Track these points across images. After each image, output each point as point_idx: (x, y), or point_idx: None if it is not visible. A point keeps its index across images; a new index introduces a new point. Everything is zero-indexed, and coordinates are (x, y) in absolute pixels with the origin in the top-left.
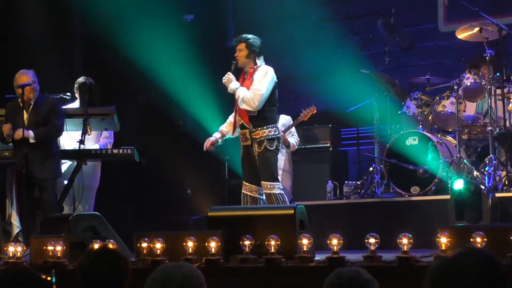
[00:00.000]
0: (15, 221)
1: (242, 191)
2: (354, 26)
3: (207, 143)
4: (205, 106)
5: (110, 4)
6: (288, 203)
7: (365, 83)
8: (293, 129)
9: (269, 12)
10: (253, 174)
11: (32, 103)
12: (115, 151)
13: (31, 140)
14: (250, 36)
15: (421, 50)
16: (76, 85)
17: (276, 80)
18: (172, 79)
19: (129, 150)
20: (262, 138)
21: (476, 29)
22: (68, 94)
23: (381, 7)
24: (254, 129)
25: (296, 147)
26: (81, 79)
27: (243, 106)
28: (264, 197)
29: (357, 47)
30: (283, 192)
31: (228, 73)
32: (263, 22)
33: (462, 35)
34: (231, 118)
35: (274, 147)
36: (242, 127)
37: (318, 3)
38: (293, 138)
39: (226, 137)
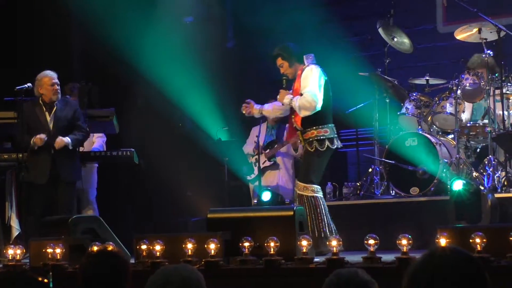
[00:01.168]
0: (15, 223)
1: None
2: (353, 27)
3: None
4: (204, 108)
5: (108, 6)
6: (321, 206)
7: (364, 84)
8: None
9: (268, 14)
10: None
11: (55, 105)
12: (115, 153)
13: (70, 147)
14: (280, 46)
15: (420, 51)
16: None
17: (325, 77)
18: (171, 81)
19: (128, 152)
20: (311, 139)
21: (475, 30)
22: (67, 97)
23: (380, 8)
24: (304, 130)
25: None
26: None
27: (304, 114)
28: (319, 194)
29: (356, 48)
30: (317, 195)
31: (281, 90)
32: (262, 24)
33: (460, 36)
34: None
35: (324, 149)
36: (296, 129)
37: (317, 5)
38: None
39: None
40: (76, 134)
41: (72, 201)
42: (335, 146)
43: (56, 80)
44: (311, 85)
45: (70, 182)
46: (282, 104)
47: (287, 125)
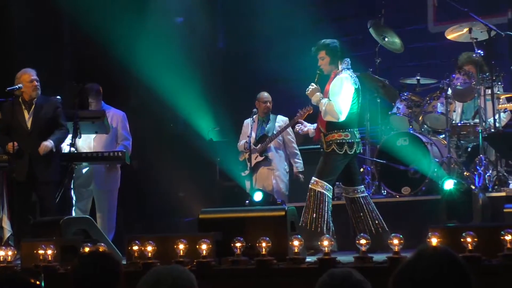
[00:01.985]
0: (6, 225)
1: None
2: (344, 27)
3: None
4: (195, 109)
5: (100, 7)
6: (325, 203)
7: None
8: (289, 129)
9: (258, 15)
10: (344, 176)
11: (34, 102)
12: (106, 153)
13: (53, 150)
14: (328, 41)
15: (411, 50)
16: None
17: (355, 87)
18: (163, 81)
19: (120, 153)
20: (331, 142)
21: (466, 30)
22: (58, 97)
23: (371, 8)
24: (327, 133)
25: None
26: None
27: (328, 119)
28: (363, 194)
29: (347, 48)
30: (325, 193)
31: (312, 84)
32: (253, 25)
33: (451, 35)
34: None
35: (342, 152)
36: (320, 131)
37: (308, 4)
38: (290, 136)
39: None
40: (56, 133)
41: (52, 201)
42: (353, 151)
43: (35, 77)
44: (340, 96)
45: (47, 182)
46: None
47: (285, 119)
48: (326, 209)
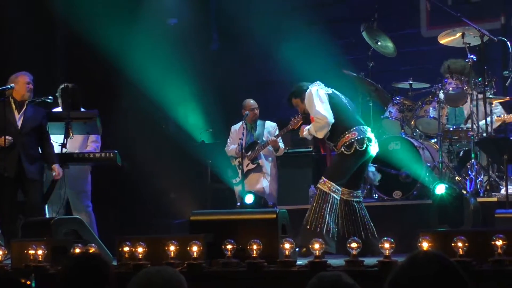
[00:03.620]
0: None
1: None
2: (337, 31)
3: None
4: (187, 110)
5: (92, 7)
6: (329, 204)
7: (348, 87)
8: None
9: (252, 16)
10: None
11: (25, 104)
12: (98, 155)
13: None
14: (294, 89)
15: (403, 55)
16: (59, 90)
17: (326, 92)
18: (155, 82)
19: (111, 154)
20: (341, 146)
21: (458, 34)
22: (50, 97)
23: (364, 12)
24: (336, 143)
25: (284, 151)
26: (63, 84)
27: (322, 134)
28: (358, 199)
29: (340, 51)
30: (332, 194)
31: (301, 128)
32: (246, 27)
33: (444, 40)
34: None
35: (351, 151)
36: (330, 144)
37: (301, 7)
38: (281, 143)
39: None
40: (51, 147)
41: (38, 199)
42: (365, 148)
43: (31, 81)
44: (314, 106)
45: (35, 180)
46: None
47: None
48: (328, 210)
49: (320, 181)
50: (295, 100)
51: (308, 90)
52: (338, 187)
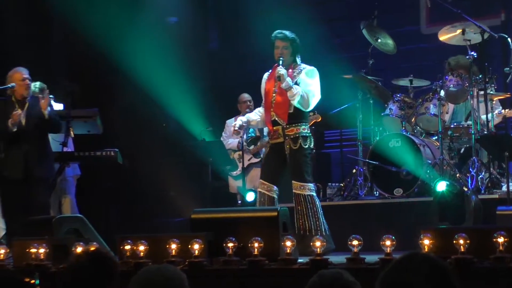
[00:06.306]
0: (1, 223)
1: (259, 189)
2: (337, 28)
3: (235, 126)
4: (188, 109)
5: (91, 5)
6: (318, 206)
7: (348, 85)
8: None
9: (250, 15)
10: (275, 173)
11: (27, 101)
12: (99, 153)
13: (45, 117)
14: (294, 34)
15: (404, 52)
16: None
17: None
18: (155, 81)
19: (112, 152)
20: (297, 135)
21: (459, 31)
22: (51, 96)
23: (363, 9)
24: (288, 126)
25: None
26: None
27: (297, 105)
28: (315, 193)
29: (340, 49)
30: (314, 194)
31: (281, 67)
32: (245, 25)
33: (444, 37)
34: (260, 110)
35: (307, 146)
36: (275, 123)
37: (300, 5)
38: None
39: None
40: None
41: (47, 200)
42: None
43: (27, 76)
44: (318, 91)
45: (42, 179)
46: (278, 78)
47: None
48: (319, 210)
49: (296, 187)
50: (285, 43)
51: (315, 69)
52: (313, 184)
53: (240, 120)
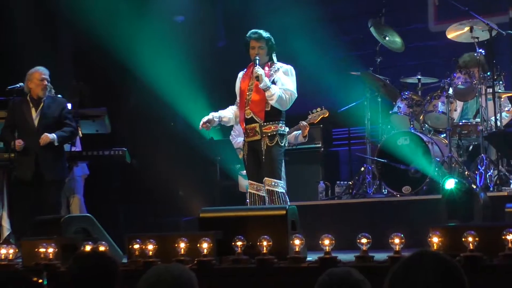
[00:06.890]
0: (6, 223)
1: (249, 190)
2: (344, 26)
3: (203, 120)
4: (196, 107)
5: (99, 5)
6: (289, 203)
7: (356, 83)
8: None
9: (259, 13)
10: (260, 172)
11: (42, 101)
12: (107, 152)
13: (55, 143)
14: (269, 33)
15: (411, 49)
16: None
17: None
18: (162, 80)
19: (120, 151)
20: (274, 133)
21: (467, 29)
22: (59, 96)
23: (371, 7)
24: (265, 124)
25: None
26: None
27: (275, 104)
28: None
29: (348, 47)
30: (285, 191)
31: (259, 67)
32: (253, 23)
33: (452, 34)
34: (233, 108)
35: (283, 143)
36: (251, 121)
37: (308, 4)
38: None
39: (215, 126)
40: (63, 130)
41: (58, 201)
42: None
43: (46, 77)
44: (295, 90)
45: (54, 181)
46: (256, 78)
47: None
48: None
49: (270, 184)
50: (260, 43)
51: (291, 67)
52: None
53: (211, 115)
